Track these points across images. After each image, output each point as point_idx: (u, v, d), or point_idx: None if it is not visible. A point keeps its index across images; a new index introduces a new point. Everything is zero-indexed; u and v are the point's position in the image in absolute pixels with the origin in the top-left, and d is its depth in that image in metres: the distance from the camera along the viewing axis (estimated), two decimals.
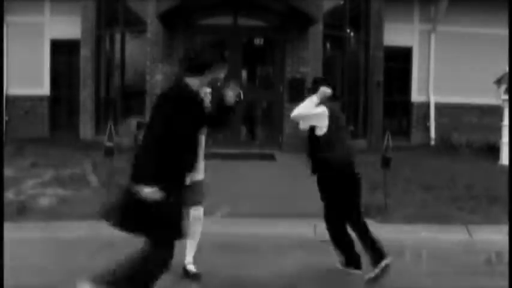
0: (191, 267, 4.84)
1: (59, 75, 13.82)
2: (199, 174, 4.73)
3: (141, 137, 4.99)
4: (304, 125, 5.11)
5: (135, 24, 12.55)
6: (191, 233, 4.60)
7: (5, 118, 13.18)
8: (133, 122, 11.62)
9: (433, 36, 13.73)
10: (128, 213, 3.67)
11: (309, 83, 11.28)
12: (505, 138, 10.72)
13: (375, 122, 13.15)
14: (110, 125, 7.05)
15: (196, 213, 4.78)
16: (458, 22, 13.44)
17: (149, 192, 3.52)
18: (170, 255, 3.76)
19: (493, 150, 11.49)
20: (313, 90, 5.06)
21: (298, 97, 11.80)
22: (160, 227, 3.64)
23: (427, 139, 13.74)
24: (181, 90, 3.82)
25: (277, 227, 6.44)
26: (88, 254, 5.49)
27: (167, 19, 11.03)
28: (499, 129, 11.14)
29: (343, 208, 5.00)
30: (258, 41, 12.77)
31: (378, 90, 13.18)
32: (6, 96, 13.26)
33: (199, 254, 5.20)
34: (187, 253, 4.86)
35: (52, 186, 8.04)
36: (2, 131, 11.58)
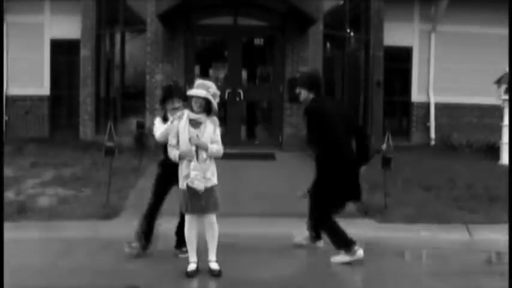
0: (211, 264, 5.01)
1: (59, 75, 13.80)
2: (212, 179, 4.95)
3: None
4: None
5: (135, 24, 12.55)
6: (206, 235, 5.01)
7: (5, 118, 13.18)
8: (133, 121, 11.63)
9: (433, 36, 13.72)
10: None
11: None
12: (505, 138, 10.71)
13: (375, 122, 13.14)
14: (110, 125, 7.04)
15: (206, 218, 4.97)
16: (458, 22, 13.42)
17: None
18: None
19: (493, 150, 11.48)
20: None
21: (298, 97, 11.90)
22: None
23: (427, 139, 13.73)
24: None
25: (277, 227, 6.44)
26: (88, 254, 5.49)
27: (167, 19, 11.03)
28: (499, 129, 11.13)
29: None
30: (258, 41, 12.77)
31: (378, 90, 13.17)
32: (6, 96, 13.25)
33: (199, 253, 5.21)
34: (209, 253, 5.04)
35: (52, 186, 8.03)
36: (2, 131, 11.58)
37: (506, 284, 4.51)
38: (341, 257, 5.31)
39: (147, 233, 5.32)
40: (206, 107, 4.84)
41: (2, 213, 5.72)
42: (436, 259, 5.72)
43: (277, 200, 7.39)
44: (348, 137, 5.47)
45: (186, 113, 4.88)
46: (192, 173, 4.77)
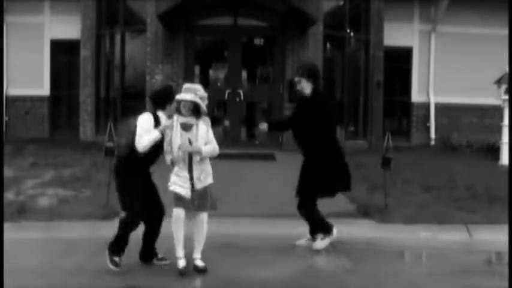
0: (197, 262, 5.00)
1: (59, 75, 13.82)
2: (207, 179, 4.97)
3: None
4: None
5: (135, 24, 12.56)
6: (194, 233, 4.96)
7: (5, 118, 13.18)
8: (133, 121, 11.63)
9: (433, 36, 13.73)
10: None
11: None
12: (505, 138, 10.71)
13: (375, 122, 13.15)
14: (110, 125, 7.04)
15: (198, 217, 4.97)
16: (458, 22, 13.43)
17: None
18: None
19: (493, 150, 11.48)
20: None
21: (298, 97, 11.90)
22: None
23: (427, 139, 13.74)
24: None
25: (277, 227, 6.43)
26: (88, 254, 5.49)
27: (167, 19, 11.03)
28: (499, 129, 11.13)
29: None
30: (258, 41, 12.77)
31: (378, 90, 13.17)
32: (6, 96, 13.26)
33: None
34: (194, 249, 5.02)
35: (52, 186, 8.03)
36: (2, 131, 11.58)
37: (506, 284, 4.51)
38: (322, 242, 5.73)
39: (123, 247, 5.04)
40: (195, 110, 4.88)
41: (2, 214, 5.71)
42: (436, 259, 5.71)
43: (278, 200, 7.38)
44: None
45: (175, 118, 4.89)
46: (172, 178, 4.87)
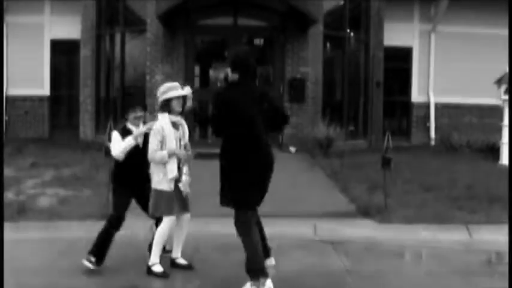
0: (181, 260, 5.08)
1: (59, 75, 13.84)
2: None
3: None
4: None
5: (135, 24, 12.55)
6: (179, 233, 5.03)
7: (5, 118, 13.19)
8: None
9: (433, 36, 13.74)
10: None
11: (309, 83, 11.27)
12: (505, 138, 10.70)
13: (375, 122, 13.15)
14: (110, 125, 7.03)
15: (185, 216, 5.03)
16: (458, 22, 13.45)
17: None
18: None
19: (493, 150, 11.47)
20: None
21: (298, 97, 11.92)
22: None
23: (427, 139, 13.75)
24: None
25: (277, 227, 6.43)
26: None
27: (167, 19, 11.03)
28: (499, 129, 11.13)
29: None
30: (258, 41, 12.77)
31: (378, 90, 13.18)
32: (6, 96, 13.27)
33: (199, 253, 5.21)
34: (175, 249, 5.09)
35: (52, 186, 8.04)
36: (2, 131, 11.59)
37: (506, 284, 4.51)
38: None
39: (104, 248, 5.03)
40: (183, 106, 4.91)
41: (2, 213, 5.72)
42: (436, 259, 5.71)
43: (277, 200, 7.37)
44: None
45: (167, 117, 4.84)
46: (184, 178, 4.89)
